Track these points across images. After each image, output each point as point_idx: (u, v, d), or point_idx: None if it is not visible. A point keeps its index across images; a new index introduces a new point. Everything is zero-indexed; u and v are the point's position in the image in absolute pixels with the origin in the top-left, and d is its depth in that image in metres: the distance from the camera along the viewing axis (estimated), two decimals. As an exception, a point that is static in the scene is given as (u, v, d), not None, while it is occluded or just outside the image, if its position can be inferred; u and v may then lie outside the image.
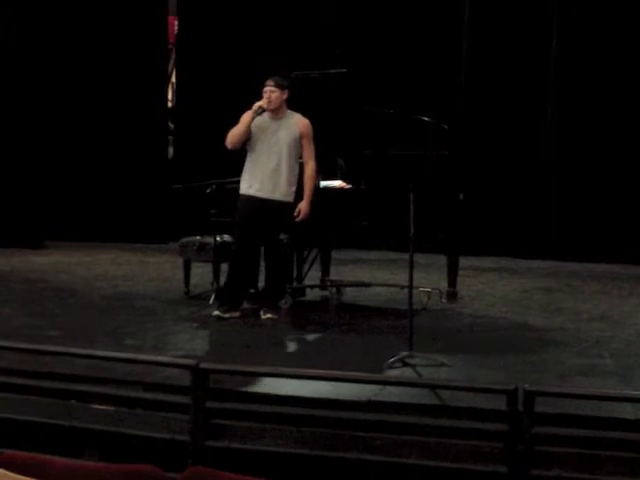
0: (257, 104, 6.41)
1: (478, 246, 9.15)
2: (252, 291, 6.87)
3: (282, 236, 6.64)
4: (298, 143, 6.46)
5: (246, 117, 6.44)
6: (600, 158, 9.75)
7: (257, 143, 6.46)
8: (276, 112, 6.46)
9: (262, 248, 6.58)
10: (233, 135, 6.49)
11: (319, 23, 10.50)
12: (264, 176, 6.41)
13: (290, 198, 6.46)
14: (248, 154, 6.53)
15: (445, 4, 10.24)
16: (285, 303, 6.84)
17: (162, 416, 4.49)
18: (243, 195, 6.50)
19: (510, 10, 10.07)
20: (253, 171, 6.47)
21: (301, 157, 6.55)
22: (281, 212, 6.42)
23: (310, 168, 6.49)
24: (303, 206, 6.43)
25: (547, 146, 9.99)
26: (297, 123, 6.49)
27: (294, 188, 6.48)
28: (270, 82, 6.45)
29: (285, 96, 6.47)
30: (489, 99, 10.09)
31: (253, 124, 6.45)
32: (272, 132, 6.45)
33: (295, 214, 6.41)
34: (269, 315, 6.49)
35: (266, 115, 6.47)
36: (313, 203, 6.55)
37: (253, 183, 6.44)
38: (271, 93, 6.42)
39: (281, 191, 6.43)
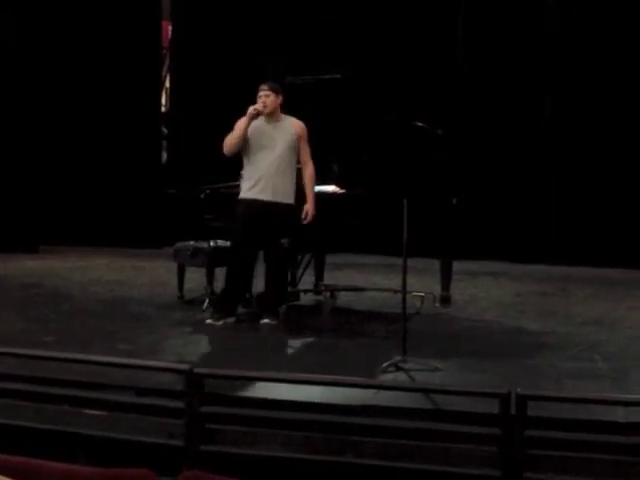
0: (252, 108, 6.42)
1: (472, 250, 9.17)
2: (247, 296, 6.88)
3: (282, 240, 6.56)
4: (295, 145, 6.49)
5: (242, 123, 6.46)
6: (597, 162, 9.78)
7: (255, 148, 6.47)
8: (271, 116, 6.49)
9: (261, 252, 6.57)
10: (230, 142, 6.50)
11: (315, 26, 10.51)
12: (265, 180, 6.41)
13: (291, 200, 6.46)
14: (246, 159, 6.53)
15: (442, 8, 10.27)
16: (280, 309, 6.85)
17: (157, 421, 4.50)
18: (244, 199, 6.49)
19: (506, 13, 10.11)
20: (253, 175, 6.46)
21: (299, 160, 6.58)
22: (284, 215, 6.41)
23: (310, 169, 6.51)
24: (309, 208, 6.43)
25: (544, 150, 10.02)
26: (292, 126, 6.52)
27: (294, 190, 6.49)
28: (264, 87, 6.49)
29: (280, 100, 6.51)
30: (487, 103, 10.11)
31: (249, 129, 6.47)
32: (269, 136, 6.47)
33: (302, 217, 6.40)
34: (267, 320, 6.49)
35: (262, 120, 6.50)
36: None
37: (254, 186, 6.44)
38: (266, 97, 6.45)
39: (282, 194, 6.43)
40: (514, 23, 10.04)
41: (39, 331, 6.11)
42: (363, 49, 10.17)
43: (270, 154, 6.44)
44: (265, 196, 6.42)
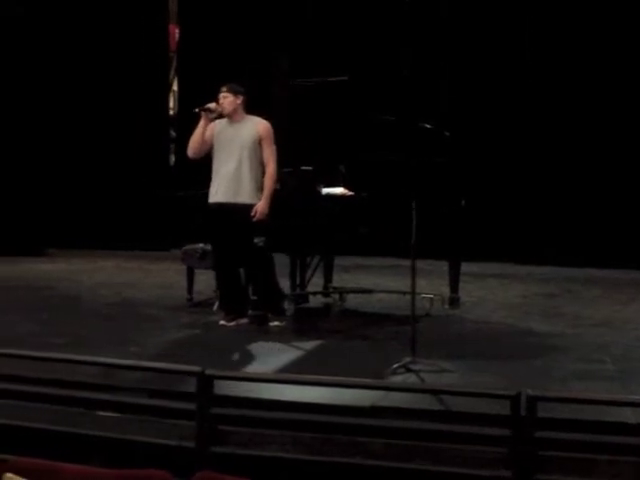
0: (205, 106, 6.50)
1: (479, 252, 9.19)
2: (254, 298, 6.90)
3: (256, 240, 6.50)
4: (257, 145, 6.47)
5: (200, 124, 6.55)
6: (600, 164, 9.81)
7: (217, 150, 6.53)
8: (232, 117, 6.53)
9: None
10: (191, 143, 6.63)
11: (320, 28, 10.54)
12: (226, 181, 6.45)
13: (255, 200, 6.43)
14: (212, 162, 6.58)
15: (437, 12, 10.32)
16: (288, 310, 6.87)
17: (169, 423, 4.52)
18: (209, 204, 6.54)
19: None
20: (215, 178, 6.52)
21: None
22: (247, 214, 6.37)
23: (270, 169, 6.47)
24: (260, 206, 6.38)
25: (548, 151, 10.04)
26: (255, 126, 6.52)
27: (259, 190, 6.47)
28: (223, 88, 6.56)
29: (239, 101, 6.53)
30: (492, 106, 10.13)
31: (215, 133, 6.53)
32: (230, 137, 6.50)
33: (252, 214, 6.36)
34: (276, 323, 6.53)
35: (225, 122, 6.56)
36: (318, 210, 6.59)
37: (217, 190, 6.48)
38: (224, 99, 6.52)
39: (244, 194, 6.42)
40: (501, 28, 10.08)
41: (49, 333, 6.14)
42: (367, 51, 10.19)
43: (229, 155, 6.46)
44: (227, 198, 6.44)
